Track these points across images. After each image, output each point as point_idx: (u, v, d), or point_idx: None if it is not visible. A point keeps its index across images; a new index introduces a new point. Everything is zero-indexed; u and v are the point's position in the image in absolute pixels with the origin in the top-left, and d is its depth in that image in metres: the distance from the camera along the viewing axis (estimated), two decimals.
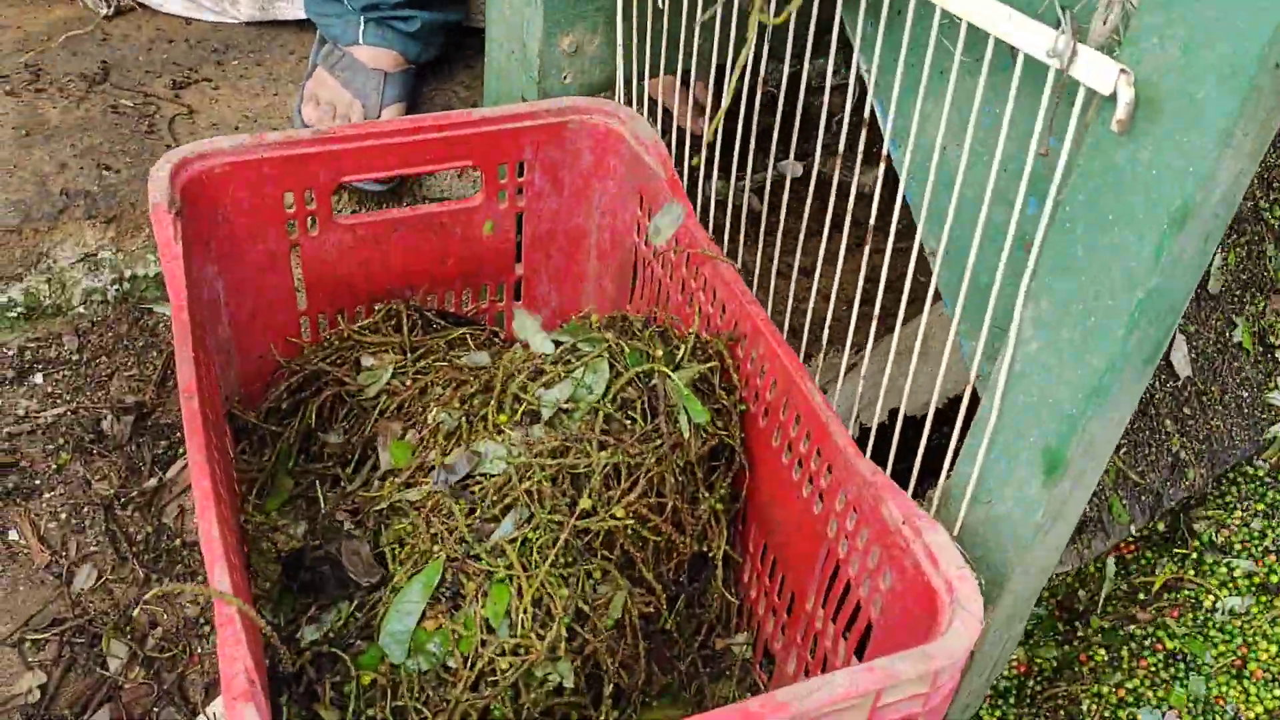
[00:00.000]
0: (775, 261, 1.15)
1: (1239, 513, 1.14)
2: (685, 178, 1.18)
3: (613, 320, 1.06)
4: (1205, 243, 0.73)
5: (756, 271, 1.23)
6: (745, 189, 1.23)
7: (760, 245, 1.17)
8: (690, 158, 1.30)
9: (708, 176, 1.34)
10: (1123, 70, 0.67)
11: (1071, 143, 0.73)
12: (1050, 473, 0.83)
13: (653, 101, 1.35)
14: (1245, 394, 1.12)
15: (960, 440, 0.90)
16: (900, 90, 0.90)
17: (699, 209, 1.24)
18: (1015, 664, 1.11)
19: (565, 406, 0.99)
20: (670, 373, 1.00)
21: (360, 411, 1.16)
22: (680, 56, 1.17)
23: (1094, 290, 0.74)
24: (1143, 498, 1.04)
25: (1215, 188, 0.68)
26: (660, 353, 1.01)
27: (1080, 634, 1.11)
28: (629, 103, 1.25)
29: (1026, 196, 0.79)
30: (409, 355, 1.18)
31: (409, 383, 1.15)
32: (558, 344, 1.03)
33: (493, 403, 1.03)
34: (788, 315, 1.23)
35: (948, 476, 0.92)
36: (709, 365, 1.02)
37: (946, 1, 0.80)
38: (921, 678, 0.71)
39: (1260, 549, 1.11)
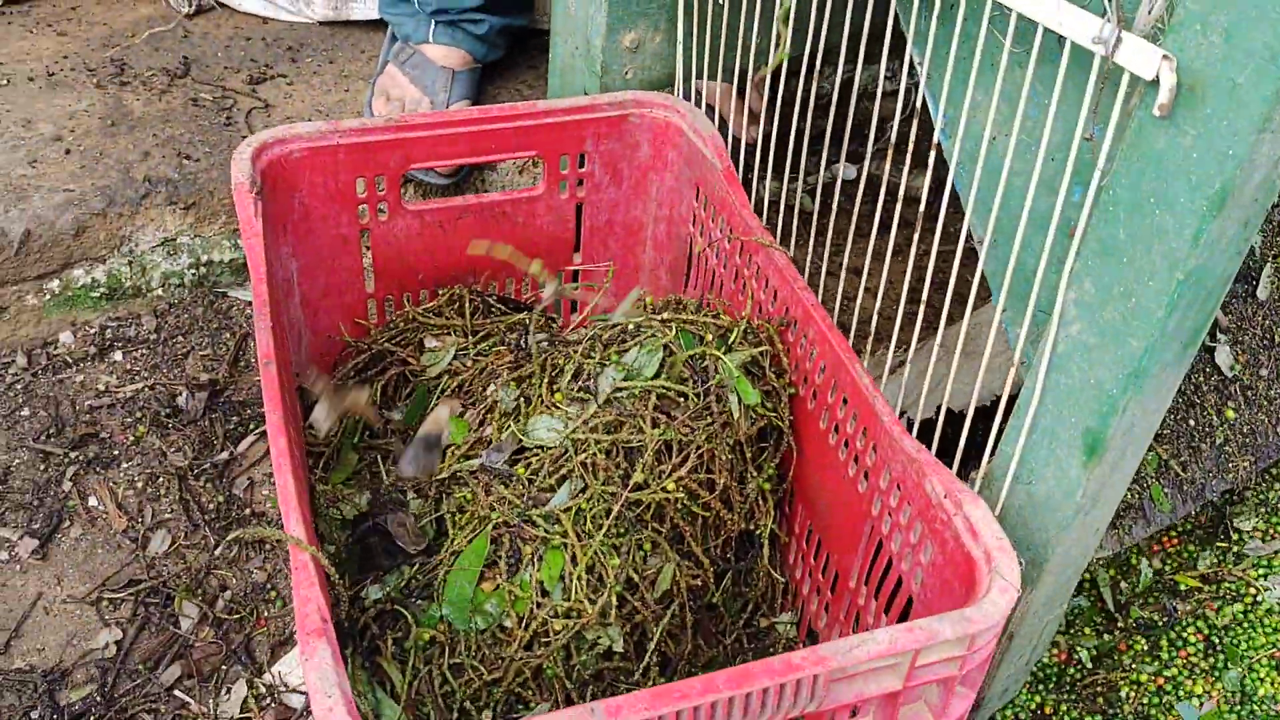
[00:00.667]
0: (825, 260, 1.18)
1: None
2: (739, 175, 1.21)
3: (668, 302, 1.10)
4: (1244, 228, 0.76)
5: (807, 269, 1.26)
6: (799, 189, 1.26)
7: (810, 244, 1.20)
8: (747, 157, 1.33)
9: (761, 178, 1.38)
10: (1165, 56, 0.70)
11: (1115, 128, 0.76)
12: (1090, 454, 0.85)
13: (709, 108, 1.38)
14: None
15: (1003, 424, 0.93)
16: (951, 82, 0.93)
17: (755, 207, 1.27)
18: (1056, 652, 1.13)
19: (620, 385, 1.03)
20: (721, 355, 1.03)
21: (423, 390, 1.21)
22: (738, 54, 1.21)
23: (1135, 272, 0.77)
24: (1185, 488, 1.05)
25: (1254, 172, 0.71)
26: (711, 335, 1.04)
27: (1120, 624, 1.12)
28: (688, 99, 1.29)
29: (1071, 183, 0.82)
30: (470, 338, 1.23)
31: (469, 363, 1.19)
32: (614, 325, 1.07)
33: (544, 381, 1.07)
34: (836, 312, 1.26)
35: (990, 459, 0.95)
36: (760, 349, 1.05)
37: None
38: (959, 640, 0.74)
39: None
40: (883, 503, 0.94)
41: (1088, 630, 1.13)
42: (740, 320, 1.07)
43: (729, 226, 1.14)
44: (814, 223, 1.24)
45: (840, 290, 1.18)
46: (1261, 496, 1.17)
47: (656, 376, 1.03)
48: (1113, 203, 0.77)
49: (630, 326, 1.06)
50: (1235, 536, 1.14)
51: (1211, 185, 0.71)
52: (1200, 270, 0.75)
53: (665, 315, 1.06)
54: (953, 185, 0.95)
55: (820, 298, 1.21)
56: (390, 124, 1.15)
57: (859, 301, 1.12)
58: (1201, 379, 1.09)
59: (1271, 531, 1.15)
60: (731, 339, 1.05)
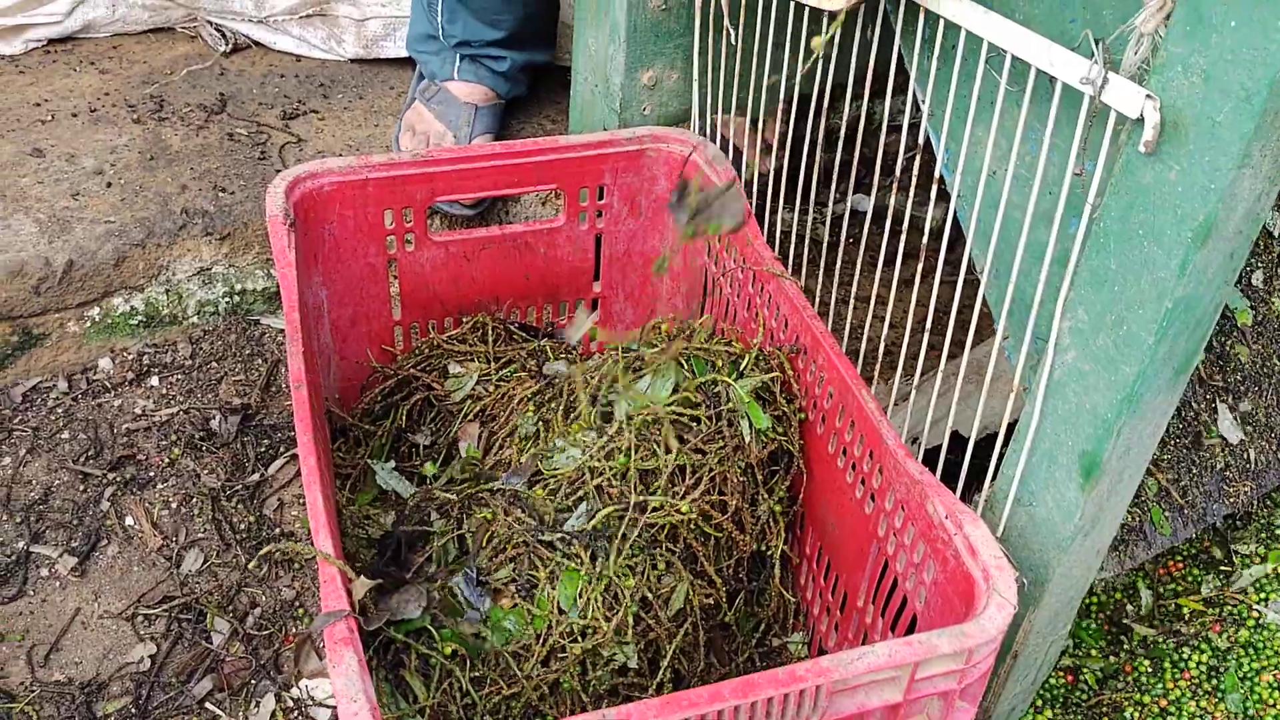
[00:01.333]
0: (834, 289, 1.21)
1: None
2: (753, 205, 1.26)
3: (681, 330, 1.14)
4: (1230, 259, 0.79)
5: (817, 298, 1.30)
6: (809, 220, 1.30)
7: (820, 274, 1.24)
8: (758, 190, 1.37)
9: (774, 211, 1.42)
10: (1149, 96, 0.74)
11: (1105, 163, 0.80)
12: (1087, 477, 0.88)
13: (724, 140, 1.43)
14: None
15: (1004, 448, 0.96)
16: (952, 118, 0.97)
17: (769, 238, 1.32)
18: (1063, 673, 1.15)
19: (635, 411, 1.07)
20: (732, 381, 1.07)
21: (447, 415, 1.25)
22: (751, 91, 1.25)
23: (1126, 301, 0.80)
24: (1185, 512, 1.08)
25: (1236, 205, 0.74)
26: (722, 362, 1.08)
27: (1126, 646, 1.14)
28: (703, 133, 1.34)
29: (1066, 215, 0.85)
30: (492, 364, 1.27)
31: (491, 389, 1.24)
32: (628, 350, 1.11)
33: (562, 406, 1.11)
34: (846, 340, 1.29)
35: (992, 482, 0.98)
36: (771, 375, 1.09)
37: (994, 36, 0.87)
38: (957, 654, 0.77)
39: None
40: (888, 524, 0.97)
41: (1094, 652, 1.15)
42: (752, 347, 1.11)
43: (742, 257, 1.18)
44: (823, 253, 1.28)
45: (850, 318, 1.22)
46: (1263, 521, 1.19)
47: (669, 403, 1.06)
48: (1104, 234, 0.81)
49: (645, 355, 1.10)
50: (1238, 561, 1.17)
51: (1196, 218, 0.74)
52: (1188, 299, 0.78)
53: (678, 344, 1.10)
54: (954, 216, 0.99)
55: (832, 326, 1.25)
56: (417, 159, 1.20)
57: (867, 329, 1.15)
58: (1201, 404, 1.11)
59: (1273, 555, 1.17)
60: (743, 365, 1.09)
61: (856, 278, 1.18)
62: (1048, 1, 0.86)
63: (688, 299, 1.34)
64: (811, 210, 1.21)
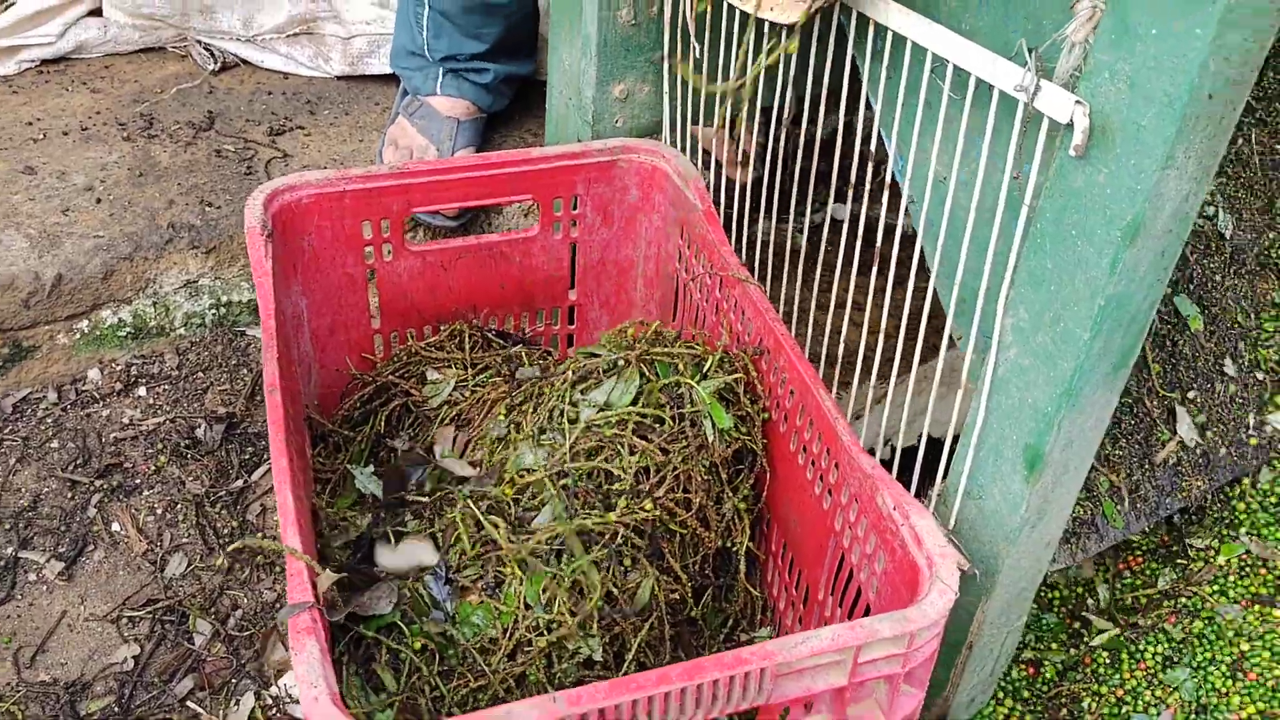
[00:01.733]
0: (798, 296, 1.24)
1: (1236, 525, 1.20)
2: (721, 213, 1.29)
3: (648, 334, 1.17)
4: (1161, 257, 0.82)
5: (781, 302, 1.33)
6: (774, 227, 1.33)
7: (785, 280, 1.27)
8: (734, 201, 1.41)
9: (754, 222, 1.45)
10: (1078, 102, 0.77)
11: (1039, 168, 0.83)
12: (1031, 469, 0.91)
13: (704, 152, 1.46)
14: (1241, 414, 1.19)
15: (954, 445, 0.99)
16: (901, 126, 1.00)
17: (744, 246, 1.35)
18: (1025, 666, 1.18)
19: (599, 414, 1.10)
20: (694, 383, 1.10)
21: (424, 420, 1.28)
22: (717, 103, 1.28)
23: (1062, 299, 0.84)
24: (1138, 505, 1.10)
25: (1164, 205, 0.77)
26: (684, 365, 1.11)
27: (1086, 639, 1.17)
28: (674, 144, 1.37)
29: (1006, 218, 0.89)
30: (469, 370, 1.31)
31: (468, 394, 1.27)
32: (595, 355, 1.15)
33: (531, 409, 1.14)
34: (808, 345, 1.32)
35: (944, 478, 1.01)
36: (734, 376, 1.12)
37: (937, 46, 0.91)
38: (898, 638, 0.80)
39: (1254, 560, 1.17)
40: (844, 518, 1.00)
41: (1054, 645, 1.18)
42: (716, 350, 1.14)
43: (709, 263, 1.21)
44: (800, 259, 1.31)
45: (814, 321, 1.25)
46: (1217, 515, 1.22)
47: (634, 404, 1.09)
48: (1040, 235, 0.84)
49: (610, 359, 1.13)
50: (1193, 554, 1.19)
51: (1124, 218, 0.77)
52: (1120, 297, 0.81)
53: (640, 348, 1.13)
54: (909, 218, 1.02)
55: (800, 330, 1.28)
56: (393, 171, 1.24)
57: (827, 335, 1.18)
58: (1156, 400, 1.14)
59: (1226, 549, 1.20)
60: (706, 367, 1.12)
61: (818, 282, 1.21)
62: (992, 14, 0.90)
63: (661, 305, 1.37)
64: (776, 218, 1.24)
